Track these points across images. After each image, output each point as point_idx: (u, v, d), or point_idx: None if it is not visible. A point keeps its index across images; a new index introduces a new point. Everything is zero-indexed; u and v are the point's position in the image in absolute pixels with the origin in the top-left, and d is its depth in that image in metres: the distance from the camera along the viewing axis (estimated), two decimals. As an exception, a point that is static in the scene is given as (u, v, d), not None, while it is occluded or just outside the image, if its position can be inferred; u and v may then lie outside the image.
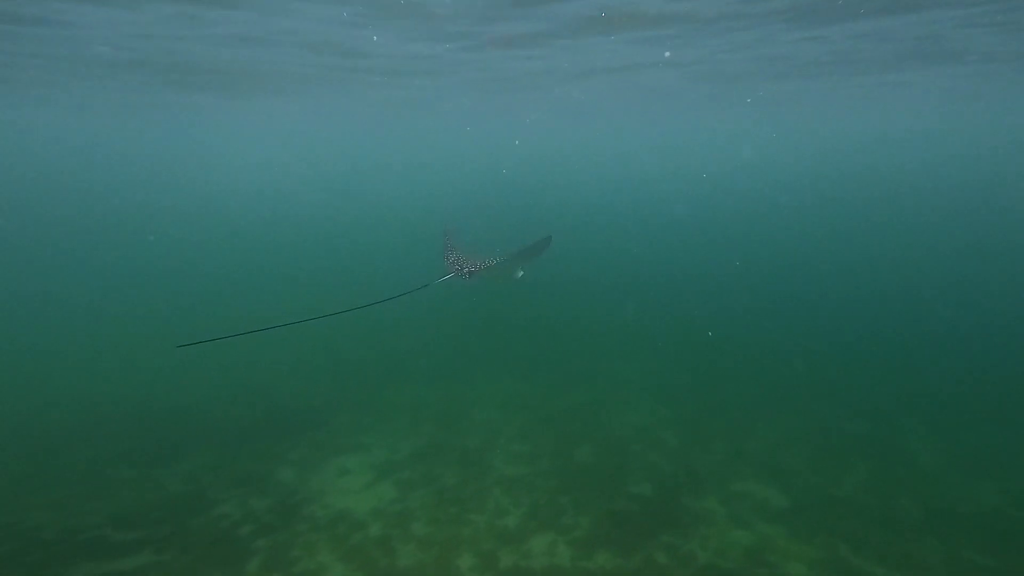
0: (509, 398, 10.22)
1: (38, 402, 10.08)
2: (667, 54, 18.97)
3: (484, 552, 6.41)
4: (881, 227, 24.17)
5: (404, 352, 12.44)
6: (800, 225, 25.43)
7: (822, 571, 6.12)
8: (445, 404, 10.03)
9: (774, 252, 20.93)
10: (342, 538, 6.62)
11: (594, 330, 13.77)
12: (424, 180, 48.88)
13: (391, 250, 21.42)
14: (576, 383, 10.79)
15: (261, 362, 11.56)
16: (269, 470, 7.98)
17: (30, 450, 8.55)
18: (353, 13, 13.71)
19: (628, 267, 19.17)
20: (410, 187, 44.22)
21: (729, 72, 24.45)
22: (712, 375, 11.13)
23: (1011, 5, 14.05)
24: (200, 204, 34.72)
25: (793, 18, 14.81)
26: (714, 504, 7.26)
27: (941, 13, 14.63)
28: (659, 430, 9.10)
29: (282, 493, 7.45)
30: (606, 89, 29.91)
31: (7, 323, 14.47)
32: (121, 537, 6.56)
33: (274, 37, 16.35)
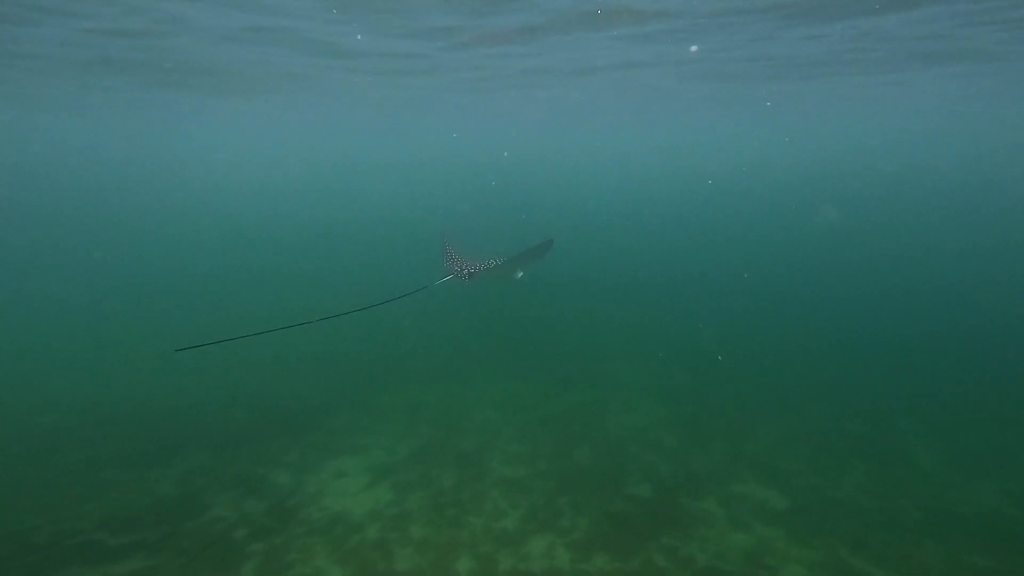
0: (507, 399, 10.17)
1: (32, 403, 10.00)
2: (694, 48, 18.42)
3: (482, 555, 6.36)
4: (880, 227, 24.18)
5: (402, 353, 12.38)
6: (799, 225, 25.43)
7: (822, 574, 6.09)
8: (443, 405, 9.98)
9: (773, 252, 20.92)
10: (339, 541, 6.56)
11: (592, 330, 13.73)
12: (423, 180, 48.82)
13: (390, 251, 21.35)
14: (574, 383, 10.75)
15: (258, 363, 11.49)
16: (265, 472, 7.91)
17: (22, 452, 8.46)
18: (335, 9, 13.42)
19: (626, 267, 19.13)
20: (408, 188, 44.14)
21: (729, 72, 24.41)
22: (711, 375, 11.09)
23: (1015, 2, 13.96)
24: (195, 204, 34.59)
25: (796, 14, 14.69)
26: (713, 505, 7.22)
27: (943, 9, 14.52)
28: (658, 430, 9.06)
29: (278, 495, 7.39)
30: (604, 89, 29.85)
31: (1, 324, 14.38)
32: (114, 541, 6.48)
33: (254, 36, 16.11)
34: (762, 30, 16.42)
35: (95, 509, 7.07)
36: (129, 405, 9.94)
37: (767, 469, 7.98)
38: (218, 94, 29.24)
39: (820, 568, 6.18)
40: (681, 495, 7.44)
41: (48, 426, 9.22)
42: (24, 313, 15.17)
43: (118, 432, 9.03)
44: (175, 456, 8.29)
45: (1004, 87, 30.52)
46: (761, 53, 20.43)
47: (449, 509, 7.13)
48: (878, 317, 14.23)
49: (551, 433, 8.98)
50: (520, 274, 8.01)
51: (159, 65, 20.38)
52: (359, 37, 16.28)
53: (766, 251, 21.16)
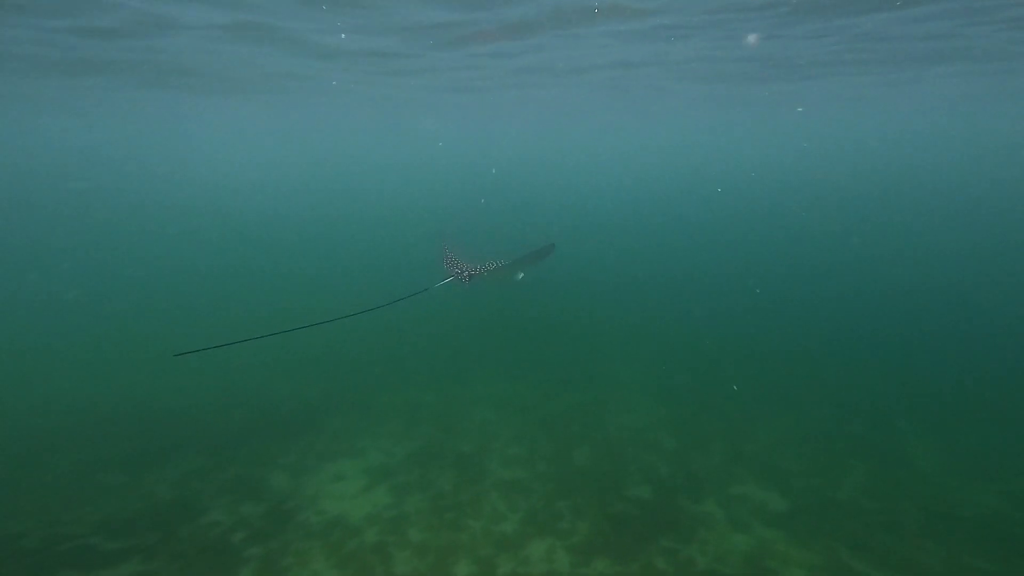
0: (506, 400, 10.12)
1: (28, 404, 9.90)
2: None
3: (482, 559, 6.31)
4: (880, 227, 24.20)
5: (400, 354, 12.31)
6: (798, 225, 25.44)
7: (823, 576, 6.06)
8: (441, 406, 9.92)
9: (773, 252, 20.91)
10: (336, 545, 6.50)
11: (591, 331, 13.69)
12: (421, 181, 48.66)
13: (388, 252, 21.26)
14: (573, 384, 10.71)
15: (256, 364, 11.39)
16: (262, 475, 7.84)
17: (17, 453, 8.37)
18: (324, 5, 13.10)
19: (625, 268, 19.10)
20: (406, 189, 44.01)
21: (728, 72, 24.37)
22: (710, 375, 11.07)
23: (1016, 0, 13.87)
24: (189, 205, 34.39)
25: (795, 12, 14.54)
26: (713, 507, 7.19)
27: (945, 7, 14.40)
28: (657, 431, 9.03)
29: (275, 499, 7.32)
30: (602, 88, 29.78)
31: (-5, 324, 14.25)
32: (107, 545, 6.41)
33: (237, 35, 15.76)
34: (761, 27, 16.31)
35: (90, 512, 7.00)
36: (126, 406, 9.85)
37: (767, 470, 7.96)
38: (206, 94, 29.02)
39: (821, 571, 6.16)
40: (681, 497, 7.40)
41: (44, 427, 9.13)
42: (21, 313, 15.03)
43: (115, 434, 8.94)
44: (172, 458, 8.21)
45: (1004, 86, 30.53)
46: (759, 53, 20.39)
47: (448, 512, 7.07)
48: (878, 317, 14.23)
49: (550, 434, 8.94)
50: (521, 275, 8.02)
51: (141, 65, 20.09)
52: (343, 36, 15.92)
53: (766, 251, 21.15)
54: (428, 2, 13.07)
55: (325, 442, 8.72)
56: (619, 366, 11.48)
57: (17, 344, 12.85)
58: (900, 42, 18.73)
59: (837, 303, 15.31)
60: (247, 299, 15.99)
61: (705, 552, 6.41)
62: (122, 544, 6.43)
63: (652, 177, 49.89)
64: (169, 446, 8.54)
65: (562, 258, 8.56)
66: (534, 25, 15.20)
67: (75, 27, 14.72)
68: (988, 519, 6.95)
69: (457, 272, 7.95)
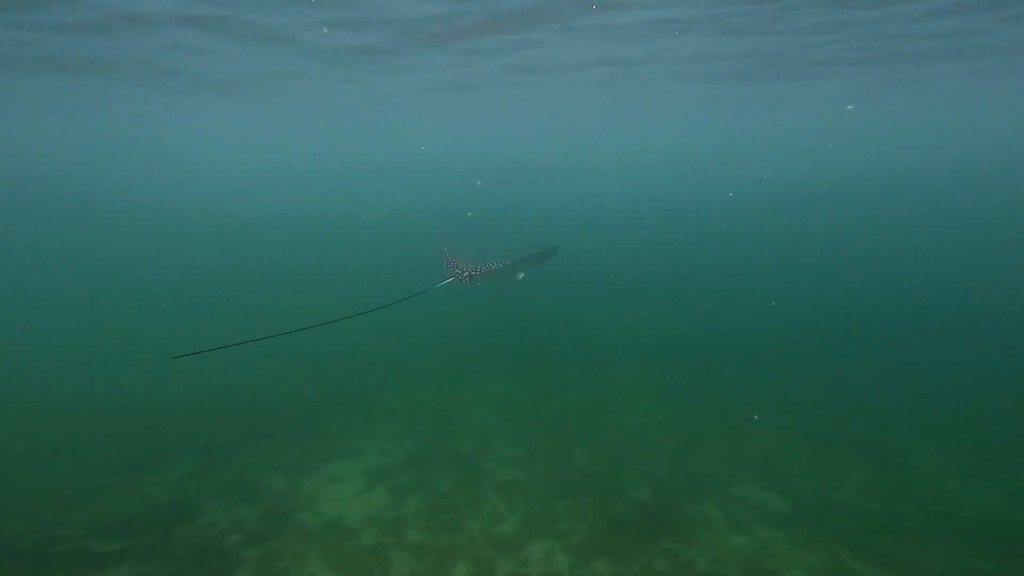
0: (505, 400, 10.08)
1: (24, 405, 9.82)
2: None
3: (480, 560, 6.27)
4: (880, 227, 24.23)
5: (399, 355, 12.26)
6: (797, 225, 25.45)
7: (823, 577, 6.03)
8: (440, 407, 9.87)
9: (773, 252, 20.91)
10: (334, 547, 6.45)
11: (591, 331, 13.65)
12: (419, 181, 48.60)
13: (386, 252, 21.19)
14: (572, 385, 10.67)
15: (254, 365, 11.33)
16: (259, 477, 7.78)
17: (9, 455, 8.30)
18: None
19: (624, 268, 19.07)
20: (405, 189, 43.94)
21: (728, 70, 24.27)
22: (710, 376, 11.04)
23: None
24: (185, 205, 34.28)
25: (793, 7, 14.28)
26: (713, 508, 7.16)
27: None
28: (657, 432, 8.99)
29: (272, 501, 7.27)
30: (599, 88, 29.74)
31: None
32: (101, 548, 6.34)
33: (215, 32, 15.19)
34: (761, 21, 15.98)
35: (85, 514, 6.93)
36: (124, 407, 9.78)
37: (767, 471, 7.93)
38: (189, 94, 28.73)
39: (821, 572, 6.13)
40: (680, 498, 7.37)
41: (41, 428, 9.06)
42: (17, 314, 14.93)
43: (112, 435, 8.87)
44: (170, 460, 8.15)
45: (1001, 84, 30.48)
46: (762, 49, 20.20)
47: (446, 513, 7.03)
48: (878, 317, 14.22)
49: (549, 435, 8.90)
50: (521, 275, 8.02)
51: (116, 64, 19.49)
52: (325, 30, 15.28)
53: (765, 251, 21.15)
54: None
55: (324, 443, 8.67)
56: (618, 366, 11.44)
57: (14, 345, 12.76)
58: (905, 40, 18.47)
59: (837, 303, 15.30)
60: (246, 299, 15.92)
61: (705, 553, 6.38)
62: (117, 546, 6.37)
63: (651, 177, 49.93)
64: (167, 447, 8.48)
65: (561, 258, 8.53)
66: (529, 17, 14.85)
67: (42, 22, 14.21)
68: (988, 519, 6.93)
69: (457, 272, 7.94)
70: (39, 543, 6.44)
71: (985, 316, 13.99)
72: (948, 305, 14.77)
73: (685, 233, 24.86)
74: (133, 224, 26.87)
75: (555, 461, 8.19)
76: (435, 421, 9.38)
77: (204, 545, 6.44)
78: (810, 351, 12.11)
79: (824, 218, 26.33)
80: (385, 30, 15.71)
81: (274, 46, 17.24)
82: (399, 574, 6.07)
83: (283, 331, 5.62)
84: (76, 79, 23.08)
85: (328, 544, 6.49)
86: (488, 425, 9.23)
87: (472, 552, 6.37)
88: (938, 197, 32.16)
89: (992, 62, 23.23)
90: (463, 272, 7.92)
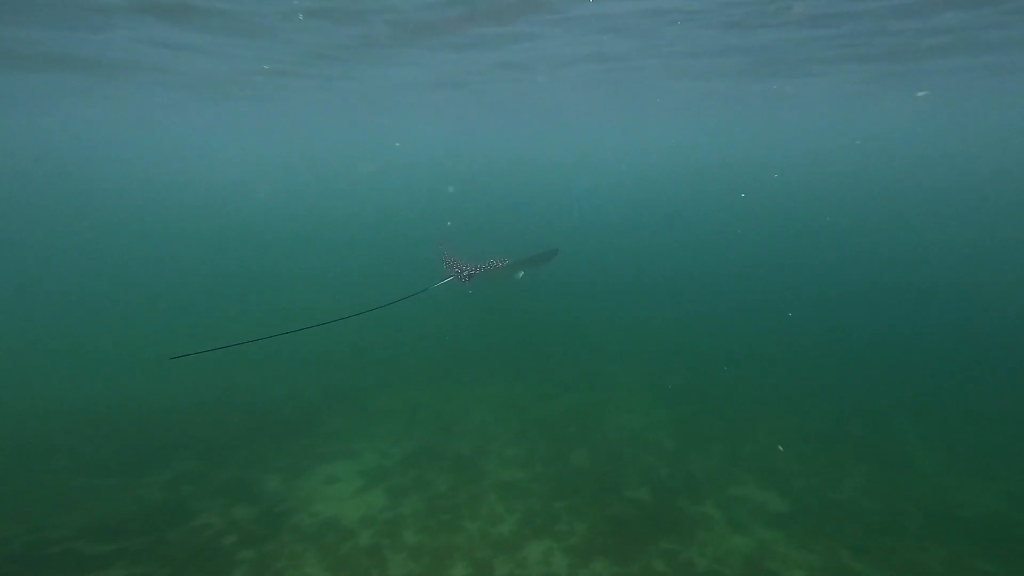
0: (503, 401, 10.03)
1: (18, 406, 9.71)
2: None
3: (478, 561, 6.21)
4: (879, 227, 24.26)
5: (397, 355, 12.20)
6: (798, 225, 25.47)
7: (824, 578, 6.00)
8: (438, 407, 9.81)
9: (772, 253, 20.91)
10: (330, 548, 6.38)
11: (590, 331, 13.61)
12: (417, 181, 48.50)
13: (386, 252, 21.11)
14: (571, 385, 10.62)
15: (251, 365, 11.24)
16: (255, 478, 7.70)
17: (3, 457, 8.19)
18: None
19: (623, 269, 19.04)
20: (401, 189, 43.84)
21: (728, 67, 24.04)
22: (709, 376, 11.01)
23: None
24: (182, 205, 34.12)
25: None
26: (712, 509, 7.12)
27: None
28: (656, 432, 8.95)
29: (268, 502, 7.19)
30: (598, 86, 29.61)
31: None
32: (93, 550, 6.25)
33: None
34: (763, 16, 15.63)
35: (73, 517, 6.84)
36: (120, 408, 9.69)
37: (766, 471, 7.89)
38: (184, 92, 28.38)
39: (821, 572, 6.09)
40: (680, 498, 7.33)
41: (35, 429, 8.96)
42: (15, 314, 14.81)
43: (107, 436, 8.79)
44: (165, 461, 8.07)
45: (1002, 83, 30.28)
46: (757, 44, 19.93)
47: (444, 514, 6.97)
48: (876, 317, 14.22)
49: (548, 435, 8.85)
50: (521, 274, 8.00)
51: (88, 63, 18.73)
52: (300, 17, 14.06)
53: (765, 251, 21.14)
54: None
55: (321, 443, 8.60)
56: (618, 366, 11.40)
57: (9, 346, 12.64)
58: (906, 36, 18.14)
59: (837, 303, 15.30)
60: (244, 299, 15.83)
61: (704, 554, 6.33)
62: (108, 548, 6.28)
63: (650, 177, 49.95)
64: (162, 448, 8.39)
65: (561, 258, 8.49)
66: (524, 6, 14.33)
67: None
68: (988, 519, 6.91)
69: (457, 272, 7.90)
70: (29, 545, 6.35)
71: (985, 316, 13.99)
72: (948, 305, 14.78)
73: (684, 233, 24.86)
74: (127, 223, 26.72)
75: (554, 461, 8.13)
76: (434, 421, 9.32)
77: (198, 547, 6.36)
78: (810, 351, 12.09)
79: (823, 217, 26.36)
80: (370, 20, 15.20)
81: (249, 39, 16.60)
82: (396, 575, 6.00)
83: (281, 332, 5.55)
84: (45, 76, 22.40)
85: (324, 545, 6.42)
86: (487, 425, 9.18)
87: (470, 553, 6.31)
88: (940, 195, 32.24)
89: (994, 57, 22.82)
90: (463, 272, 7.89)
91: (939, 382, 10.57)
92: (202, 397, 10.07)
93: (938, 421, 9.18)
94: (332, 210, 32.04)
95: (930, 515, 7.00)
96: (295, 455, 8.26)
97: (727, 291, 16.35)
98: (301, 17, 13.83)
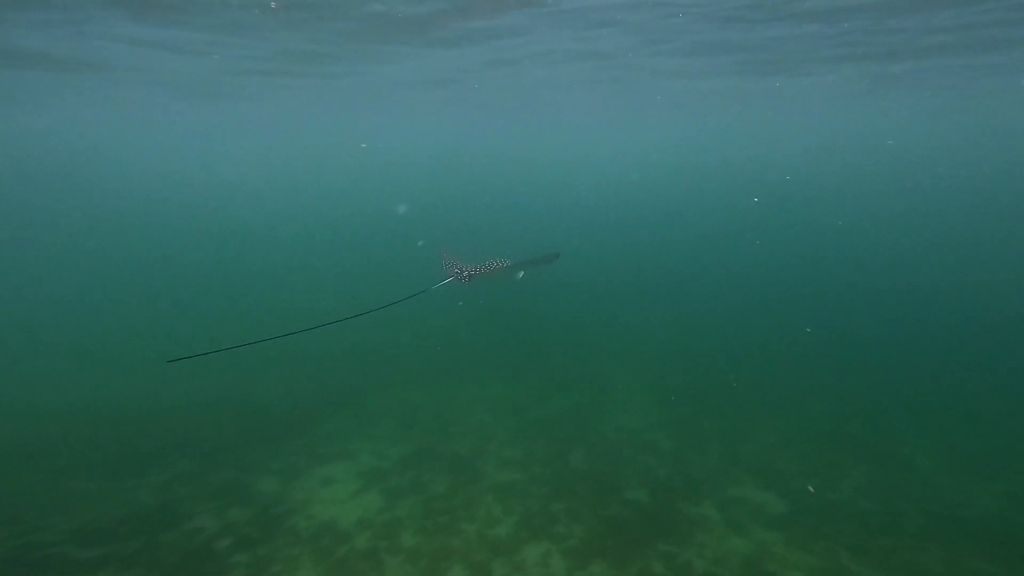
0: (501, 401, 9.97)
1: (11, 408, 9.61)
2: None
3: (476, 563, 6.15)
4: (879, 227, 24.26)
5: (395, 355, 12.13)
6: (796, 225, 25.47)
7: (823, 580, 5.96)
8: (436, 408, 9.75)
9: (772, 253, 20.89)
10: (327, 551, 6.31)
11: (587, 332, 13.57)
12: (417, 180, 48.38)
13: (385, 251, 21.03)
14: (569, 385, 10.57)
15: (247, 365, 11.16)
16: (249, 480, 7.63)
17: (-5, 460, 8.11)
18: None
19: (621, 269, 19.00)
20: (398, 188, 43.71)
21: (727, 65, 23.86)
22: (708, 376, 10.97)
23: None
24: (180, 205, 33.95)
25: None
26: (710, 510, 7.07)
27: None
28: (654, 433, 8.91)
29: (263, 504, 7.12)
30: (596, 84, 29.51)
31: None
32: (83, 554, 6.17)
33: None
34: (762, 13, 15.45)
35: (63, 521, 6.74)
36: (115, 409, 9.61)
37: (765, 472, 7.85)
38: (173, 91, 28.03)
39: (820, 573, 6.05)
40: (678, 499, 7.28)
41: (28, 430, 8.86)
42: (11, 314, 14.68)
43: (100, 438, 8.69)
44: (158, 463, 7.98)
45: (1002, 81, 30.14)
46: (755, 41, 19.79)
47: (441, 516, 6.90)
48: (875, 317, 14.20)
49: (546, 436, 8.79)
50: (520, 274, 7.97)
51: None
52: (273, 5, 14.21)
53: (764, 251, 21.12)
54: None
55: (318, 445, 8.52)
56: (616, 367, 11.36)
57: (9, 346, 12.52)
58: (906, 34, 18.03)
59: (834, 303, 15.28)
60: (243, 300, 15.73)
61: (703, 555, 6.29)
62: (98, 552, 6.20)
63: (650, 178, 49.93)
64: (156, 450, 8.31)
65: (560, 259, 8.43)
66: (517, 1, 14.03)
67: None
68: (988, 520, 6.88)
69: (457, 272, 7.86)
70: (17, 549, 6.26)
71: (985, 316, 13.99)
72: (948, 305, 14.77)
73: (684, 232, 24.82)
74: (126, 223, 26.56)
75: (552, 462, 8.08)
76: (431, 422, 9.25)
77: (191, 550, 6.28)
78: (809, 351, 12.06)
79: (823, 218, 26.36)
80: (352, 15, 14.86)
81: (228, 36, 16.15)
82: (392, 579, 5.94)
83: (280, 334, 5.48)
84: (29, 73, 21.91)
85: (320, 548, 6.35)
86: (485, 426, 9.12)
87: (467, 556, 6.25)
88: (940, 195, 32.28)
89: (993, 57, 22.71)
90: (462, 272, 7.85)
91: (939, 382, 10.55)
92: (199, 398, 9.98)
93: (938, 421, 9.15)
94: (331, 210, 31.91)
95: (930, 515, 6.97)
96: (291, 456, 8.19)
97: (726, 291, 16.33)
98: (274, 5, 13.41)
